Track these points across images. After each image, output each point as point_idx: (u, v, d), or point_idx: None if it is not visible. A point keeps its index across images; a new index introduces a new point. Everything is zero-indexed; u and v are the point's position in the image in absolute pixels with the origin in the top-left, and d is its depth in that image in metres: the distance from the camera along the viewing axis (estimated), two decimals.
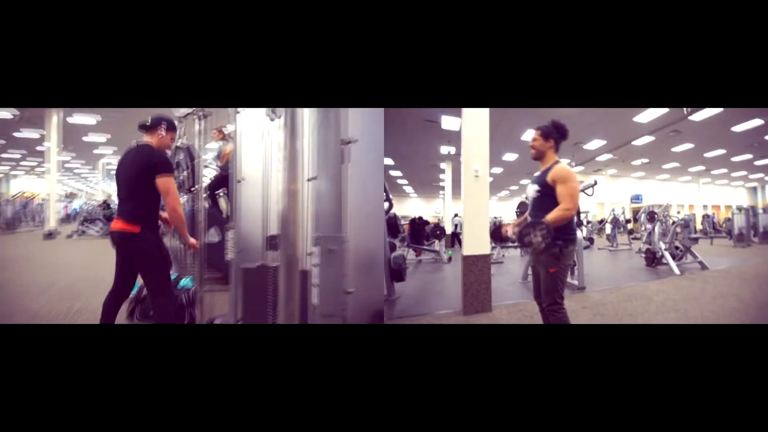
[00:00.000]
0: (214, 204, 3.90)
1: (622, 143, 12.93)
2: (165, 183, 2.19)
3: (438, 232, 9.56)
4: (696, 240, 7.41)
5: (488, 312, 3.85)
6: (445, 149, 12.65)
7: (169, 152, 2.71)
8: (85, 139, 13.92)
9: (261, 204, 2.38)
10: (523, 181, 20.00)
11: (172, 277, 3.03)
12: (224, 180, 3.87)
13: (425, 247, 9.17)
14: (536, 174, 2.25)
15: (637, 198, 21.27)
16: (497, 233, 2.39)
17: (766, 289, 4.74)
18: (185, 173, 3.44)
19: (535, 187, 2.17)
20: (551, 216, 1.98)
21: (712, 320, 3.38)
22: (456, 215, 14.32)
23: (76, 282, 4.66)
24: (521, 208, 5.63)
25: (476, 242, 3.98)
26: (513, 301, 4.36)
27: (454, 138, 10.59)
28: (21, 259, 6.90)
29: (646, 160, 16.94)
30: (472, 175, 3.97)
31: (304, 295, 1.60)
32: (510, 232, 2.25)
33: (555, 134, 2.22)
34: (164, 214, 2.42)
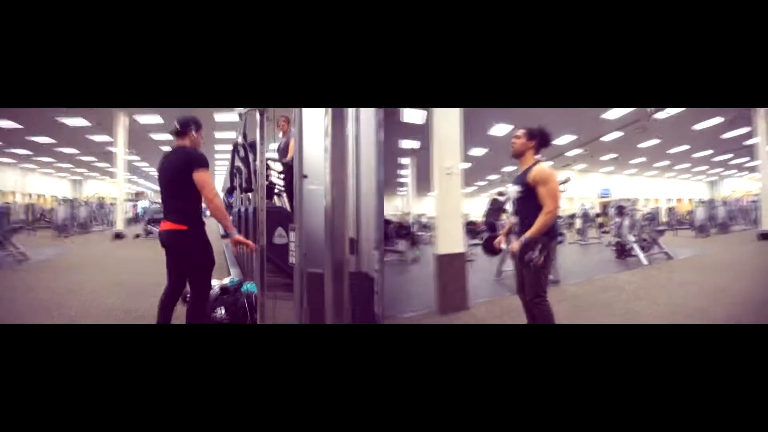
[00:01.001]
0: (289, 201, 3.73)
1: (591, 139, 13.65)
2: (201, 177, 2.32)
3: (404, 232, 9.58)
4: (662, 232, 8.00)
5: (466, 310, 4.00)
6: (407, 144, 12.61)
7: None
8: (152, 136, 13.85)
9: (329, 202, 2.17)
10: (491, 177, 20.50)
11: (234, 281, 3.15)
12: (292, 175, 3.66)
13: (390, 249, 9.14)
14: (517, 174, 2.38)
15: (605, 193, 22.49)
16: (490, 245, 2.49)
17: (723, 275, 5.30)
18: (245, 170, 3.34)
19: (517, 187, 2.30)
20: (538, 224, 2.14)
21: (679, 304, 3.72)
22: (407, 214, 14.34)
23: (142, 281, 5.03)
24: (494, 205, 5.78)
25: (451, 241, 4.10)
26: (489, 298, 4.54)
27: (417, 132, 10.57)
28: (95, 259, 7.56)
29: (614, 156, 17.95)
30: (444, 173, 4.07)
31: (367, 302, 1.47)
32: (503, 243, 2.35)
33: (538, 137, 2.37)
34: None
